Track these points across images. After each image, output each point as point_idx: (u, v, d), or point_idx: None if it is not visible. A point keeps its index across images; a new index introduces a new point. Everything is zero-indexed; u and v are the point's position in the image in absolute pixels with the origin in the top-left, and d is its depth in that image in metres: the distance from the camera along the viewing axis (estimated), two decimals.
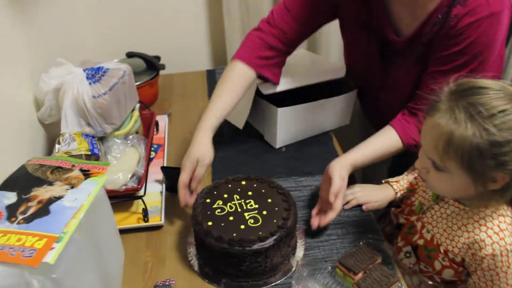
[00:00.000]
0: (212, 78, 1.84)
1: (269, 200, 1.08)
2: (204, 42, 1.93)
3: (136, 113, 1.33)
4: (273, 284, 1.02)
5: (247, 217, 1.04)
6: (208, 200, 1.09)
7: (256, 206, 1.07)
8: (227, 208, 1.06)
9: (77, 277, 0.83)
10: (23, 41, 1.26)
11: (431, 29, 1.14)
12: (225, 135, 1.51)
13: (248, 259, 0.98)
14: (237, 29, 1.82)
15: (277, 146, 1.43)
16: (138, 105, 1.36)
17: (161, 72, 1.73)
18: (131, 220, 1.19)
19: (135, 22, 1.82)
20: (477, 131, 0.82)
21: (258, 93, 1.37)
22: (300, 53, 1.61)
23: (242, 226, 1.01)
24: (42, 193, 0.87)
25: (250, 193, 1.11)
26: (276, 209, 1.06)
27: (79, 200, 0.85)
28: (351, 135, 1.88)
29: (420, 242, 1.07)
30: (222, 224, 1.02)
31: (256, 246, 0.97)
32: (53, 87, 1.21)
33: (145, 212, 1.17)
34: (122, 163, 1.22)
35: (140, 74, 1.61)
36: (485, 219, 0.95)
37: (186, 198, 1.14)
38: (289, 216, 1.03)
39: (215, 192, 1.12)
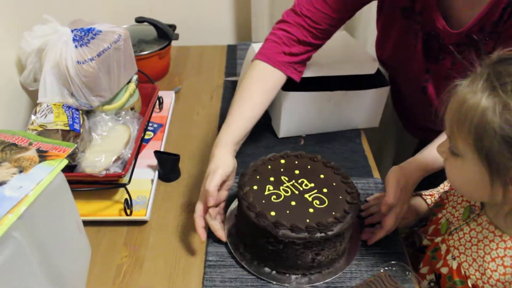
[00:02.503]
0: (233, 54, 1.63)
1: (322, 176, 0.96)
2: (227, 14, 1.71)
3: (132, 86, 1.15)
4: (343, 271, 0.91)
5: (310, 199, 0.90)
6: (255, 187, 0.92)
7: (312, 184, 0.93)
8: (283, 193, 0.92)
9: (16, 283, 0.66)
10: None
11: (501, 16, 0.89)
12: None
13: (328, 245, 0.87)
14: (264, 1, 1.60)
15: (280, 136, 1.23)
16: (135, 77, 1.17)
17: (177, 43, 1.54)
18: (111, 211, 1.01)
19: None
20: (492, 104, 0.63)
21: None
22: (336, 36, 1.38)
23: (311, 210, 0.88)
24: None
25: (297, 171, 0.96)
26: (334, 184, 0.94)
27: (24, 189, 0.67)
28: (381, 138, 1.64)
29: (444, 270, 0.87)
30: (288, 212, 0.87)
31: (337, 228, 0.85)
32: (36, 47, 1.04)
33: (128, 204, 0.99)
34: (107, 143, 1.04)
35: (149, 43, 1.43)
36: None
37: (203, 231, 0.93)
38: (353, 189, 0.93)
39: (257, 177, 0.95)
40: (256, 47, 1.24)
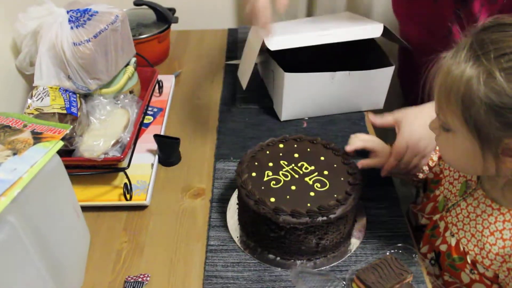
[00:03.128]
0: (233, 38, 1.60)
1: (322, 158, 0.94)
2: None
3: (131, 69, 1.12)
4: (348, 255, 0.89)
5: (310, 182, 0.88)
6: (254, 174, 0.90)
7: (312, 167, 0.91)
8: (282, 178, 0.89)
9: (12, 269, 0.64)
10: None
11: None
12: (237, 102, 1.28)
13: (331, 229, 0.84)
14: None
15: (282, 119, 1.20)
16: (134, 59, 1.15)
17: (177, 27, 1.51)
18: (111, 195, 0.99)
19: None
20: (476, 73, 0.63)
21: (278, 54, 1.14)
22: (339, 15, 1.35)
23: (312, 193, 0.86)
24: None
25: (296, 155, 0.94)
26: (335, 165, 0.92)
27: (18, 172, 0.65)
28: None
29: (443, 248, 0.86)
30: (288, 197, 0.85)
31: (339, 211, 0.83)
32: (31, 29, 1.01)
33: (127, 188, 0.96)
34: (106, 127, 1.02)
35: (148, 26, 1.40)
36: None
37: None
38: (355, 169, 0.90)
39: (256, 163, 0.93)
40: (256, 28, 1.21)
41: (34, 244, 0.68)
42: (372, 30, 1.14)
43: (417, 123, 0.93)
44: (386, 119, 1.00)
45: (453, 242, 0.84)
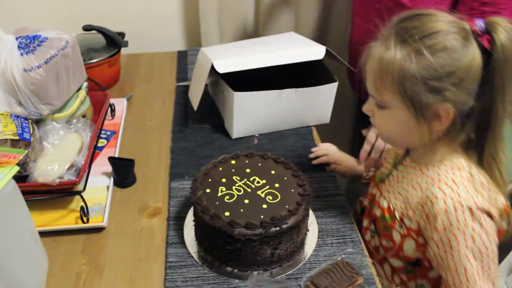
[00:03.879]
0: (183, 60, 1.64)
1: (273, 172, 0.98)
2: (176, 21, 1.72)
3: (83, 93, 1.13)
4: (302, 262, 0.93)
5: (263, 195, 0.92)
6: (208, 190, 0.93)
7: (264, 181, 0.96)
8: (235, 192, 0.93)
9: None
10: None
11: None
12: (189, 122, 1.31)
13: (285, 238, 0.88)
14: (213, 7, 1.62)
15: (234, 136, 1.25)
16: (86, 84, 1.16)
17: (126, 51, 1.54)
18: (67, 219, 0.99)
19: None
20: (406, 54, 0.75)
21: (227, 74, 1.18)
22: (284, 36, 1.41)
23: (265, 206, 0.90)
24: None
25: (248, 170, 0.98)
26: (286, 178, 0.97)
27: None
28: (333, 133, 1.70)
29: (378, 213, 0.95)
30: (242, 210, 0.89)
31: (291, 221, 0.87)
32: None
33: (84, 211, 0.97)
34: (60, 151, 1.02)
35: (98, 51, 1.41)
36: (439, 174, 0.84)
37: None
38: (304, 181, 0.95)
39: (209, 180, 0.96)
40: (205, 51, 1.26)
41: None
42: (314, 52, 1.21)
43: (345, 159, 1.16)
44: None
45: (385, 204, 0.93)
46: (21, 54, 0.98)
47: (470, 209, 0.78)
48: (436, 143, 0.83)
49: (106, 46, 1.45)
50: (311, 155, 1.19)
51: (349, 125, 1.79)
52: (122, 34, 1.51)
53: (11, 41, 0.99)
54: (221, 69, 1.14)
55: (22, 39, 1.01)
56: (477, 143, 0.81)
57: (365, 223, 1.01)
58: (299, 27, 1.69)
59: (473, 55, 0.74)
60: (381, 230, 0.94)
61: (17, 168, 0.73)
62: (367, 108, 0.88)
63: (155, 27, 1.69)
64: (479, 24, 0.75)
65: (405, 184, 0.90)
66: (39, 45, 1.01)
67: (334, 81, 1.24)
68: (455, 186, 0.80)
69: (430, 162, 0.86)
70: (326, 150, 1.19)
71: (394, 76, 0.77)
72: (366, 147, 1.14)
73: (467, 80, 0.75)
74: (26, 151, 0.79)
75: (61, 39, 1.04)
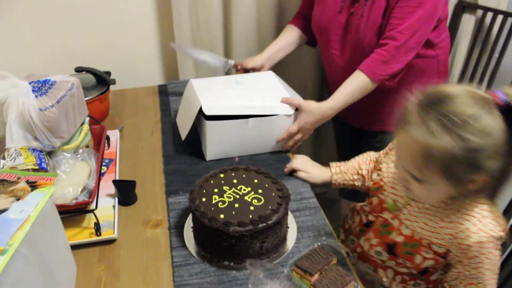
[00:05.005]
0: (164, 93, 1.83)
1: (256, 181, 1.17)
2: (156, 57, 1.92)
3: (86, 127, 1.31)
4: (286, 253, 1.12)
5: (250, 200, 1.11)
6: (204, 199, 1.11)
7: (249, 189, 1.15)
8: (227, 199, 1.12)
9: None
10: None
11: None
12: (177, 147, 1.50)
13: (270, 233, 1.07)
14: (188, 43, 1.83)
15: (208, 159, 1.44)
16: (87, 119, 1.34)
17: (112, 88, 1.71)
18: (83, 235, 1.15)
19: (84, 37, 1.79)
20: (453, 141, 0.84)
21: None
22: (264, 77, 1.60)
23: (252, 208, 1.09)
24: None
25: (235, 181, 1.17)
26: (267, 185, 1.16)
27: (25, 212, 0.82)
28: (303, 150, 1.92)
29: (399, 239, 1.07)
30: (234, 213, 1.07)
31: (275, 217, 1.06)
32: None
33: (97, 226, 1.14)
34: (72, 177, 1.19)
35: (89, 89, 1.59)
36: (466, 208, 0.98)
37: None
38: (282, 186, 1.15)
39: (204, 191, 1.14)
40: (194, 85, 1.46)
41: (40, 272, 0.85)
42: (286, 109, 1.42)
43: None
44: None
45: (408, 233, 1.05)
46: (36, 96, 1.15)
47: (495, 239, 0.94)
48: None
49: (96, 84, 1.62)
50: (286, 170, 1.37)
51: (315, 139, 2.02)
52: (108, 73, 1.69)
53: (25, 86, 1.16)
54: (208, 111, 1.35)
55: (34, 83, 1.18)
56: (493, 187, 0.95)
57: (374, 241, 1.14)
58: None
59: (504, 128, 0.85)
60: (402, 254, 1.07)
61: (54, 188, 0.89)
62: (401, 178, 0.99)
63: (137, 64, 1.88)
64: (501, 96, 0.86)
65: (430, 216, 1.02)
66: (50, 88, 1.18)
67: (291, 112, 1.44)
68: (484, 220, 0.95)
69: (453, 201, 0.99)
70: (299, 163, 1.36)
71: (441, 161, 0.86)
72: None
73: (501, 151, 0.86)
74: (58, 174, 0.96)
75: (68, 81, 1.22)
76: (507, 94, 0.86)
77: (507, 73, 1.97)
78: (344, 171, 1.31)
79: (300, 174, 1.34)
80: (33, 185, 0.89)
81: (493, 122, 0.85)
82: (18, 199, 0.85)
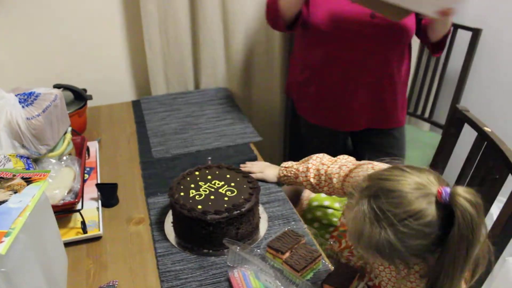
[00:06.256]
0: (138, 108, 1.93)
1: (228, 176, 1.30)
2: (128, 74, 2.03)
3: (69, 135, 1.40)
4: (259, 239, 1.24)
5: (224, 192, 1.24)
6: (182, 194, 1.22)
7: (222, 183, 1.27)
8: (203, 192, 1.23)
9: (25, 274, 0.89)
10: None
11: None
12: (153, 154, 1.60)
13: (244, 219, 1.18)
14: (159, 61, 1.95)
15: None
16: (70, 128, 1.43)
17: (88, 104, 1.80)
18: (71, 234, 1.24)
19: (61, 56, 1.88)
20: (383, 233, 0.84)
21: None
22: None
23: (226, 198, 1.21)
24: None
25: (209, 177, 1.30)
26: (238, 179, 1.29)
27: (23, 202, 0.92)
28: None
29: (371, 283, 1.10)
30: (210, 203, 1.19)
31: (248, 205, 1.18)
32: None
33: (83, 225, 1.23)
34: (58, 181, 1.28)
35: (68, 105, 1.67)
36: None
37: None
38: (251, 179, 1.29)
39: (181, 187, 1.26)
40: None
41: (37, 259, 0.93)
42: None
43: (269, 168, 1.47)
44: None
45: (376, 282, 1.06)
46: (23, 106, 1.25)
47: None
48: None
49: (74, 100, 1.72)
50: (244, 169, 1.45)
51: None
52: (85, 90, 1.79)
53: (12, 97, 1.25)
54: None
55: (20, 95, 1.28)
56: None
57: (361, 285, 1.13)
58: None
59: (439, 225, 0.82)
60: None
61: (47, 183, 0.99)
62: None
63: (111, 82, 1.99)
64: (445, 196, 0.82)
65: (393, 271, 1.02)
66: (35, 99, 1.28)
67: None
68: None
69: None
70: (255, 167, 1.47)
71: (372, 246, 0.86)
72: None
73: (430, 246, 0.84)
74: (50, 171, 1.05)
75: (51, 93, 1.32)
76: (452, 193, 0.82)
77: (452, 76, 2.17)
78: (288, 175, 1.38)
79: (257, 175, 1.44)
80: (28, 180, 0.99)
81: (425, 223, 0.83)
82: (15, 192, 0.95)
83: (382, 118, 1.69)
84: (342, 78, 1.58)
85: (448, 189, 0.82)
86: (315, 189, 1.30)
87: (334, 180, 1.22)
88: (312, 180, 1.29)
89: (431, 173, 0.88)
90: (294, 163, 1.39)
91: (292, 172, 1.36)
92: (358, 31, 1.47)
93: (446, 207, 0.82)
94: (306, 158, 1.35)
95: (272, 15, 1.56)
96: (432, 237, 0.83)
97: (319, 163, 1.29)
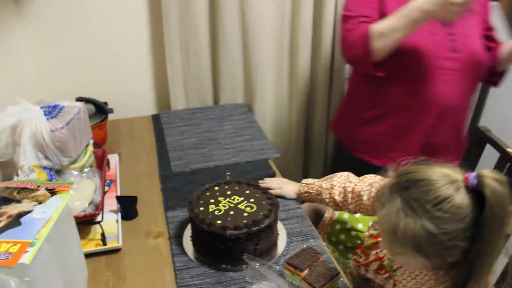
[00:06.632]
0: (157, 122, 1.95)
1: (247, 192, 1.30)
2: (149, 88, 2.06)
3: (91, 148, 1.42)
4: (278, 256, 1.23)
5: (243, 208, 1.24)
6: (202, 208, 1.23)
7: (242, 198, 1.28)
8: (222, 208, 1.24)
9: (47, 284, 0.90)
10: None
11: None
12: (172, 168, 1.61)
13: (263, 236, 1.18)
14: (179, 75, 1.97)
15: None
16: (92, 141, 1.45)
17: (109, 117, 1.83)
18: (90, 245, 1.25)
19: (84, 71, 1.92)
20: (417, 224, 0.86)
21: None
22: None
23: (245, 214, 1.21)
24: (11, 209, 0.95)
25: (228, 192, 1.30)
26: (257, 195, 1.29)
27: (48, 213, 0.93)
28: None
29: None
30: (229, 219, 1.19)
31: (267, 222, 1.18)
32: (10, 124, 1.28)
33: (103, 236, 1.24)
34: (79, 192, 1.29)
35: (89, 117, 1.69)
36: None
37: None
38: (270, 196, 1.29)
39: (201, 201, 1.26)
40: None
41: (59, 269, 0.94)
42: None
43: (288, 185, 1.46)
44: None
45: None
46: (47, 119, 1.27)
47: None
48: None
49: (95, 113, 1.74)
50: (262, 185, 1.44)
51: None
52: (106, 103, 1.81)
53: (37, 110, 1.28)
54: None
55: (45, 108, 1.30)
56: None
57: None
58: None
59: (470, 208, 0.84)
60: None
61: (70, 194, 1.00)
62: (385, 248, 1.06)
63: (131, 96, 2.01)
64: (472, 179, 0.84)
65: (418, 283, 1.02)
66: (59, 112, 1.30)
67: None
68: None
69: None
70: (273, 183, 1.47)
71: (408, 240, 0.87)
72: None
73: (467, 231, 0.85)
74: (73, 183, 1.06)
75: (75, 106, 1.35)
76: (478, 176, 0.85)
77: None
78: (309, 191, 1.37)
79: (276, 191, 1.42)
80: (52, 192, 1.00)
81: (458, 205, 0.85)
82: (40, 203, 0.96)
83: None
84: (423, 113, 1.52)
85: (473, 174, 0.85)
86: (338, 206, 1.30)
87: (365, 198, 1.22)
88: (337, 197, 1.28)
89: (455, 166, 0.91)
90: (315, 180, 1.38)
91: (314, 189, 1.35)
92: (440, 65, 1.46)
93: (475, 193, 0.84)
94: (329, 176, 1.35)
95: (361, 56, 1.46)
96: (467, 220, 0.85)
97: (345, 180, 1.28)
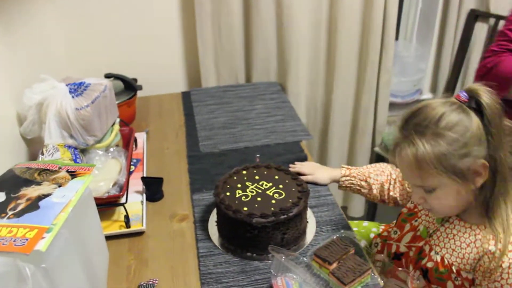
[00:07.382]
0: (187, 100, 1.91)
1: (276, 177, 1.24)
2: (179, 65, 2.01)
3: (117, 127, 1.39)
4: (306, 246, 1.18)
5: (271, 194, 1.18)
6: (228, 194, 1.18)
7: (270, 184, 1.21)
8: (249, 193, 1.18)
9: (65, 270, 0.87)
10: (5, 59, 1.31)
11: None
12: (201, 149, 1.57)
13: (291, 225, 1.13)
14: (210, 51, 1.91)
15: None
16: (118, 120, 1.42)
17: (138, 94, 1.80)
18: (113, 227, 1.23)
19: (114, 47, 1.89)
20: (431, 141, 0.93)
21: None
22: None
23: (273, 201, 1.15)
24: (31, 192, 0.91)
25: (257, 177, 1.25)
26: (287, 181, 1.23)
27: (67, 197, 0.90)
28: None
29: (430, 265, 1.08)
30: (256, 206, 1.14)
31: (296, 210, 1.12)
32: (36, 101, 1.26)
33: (127, 219, 1.21)
34: (104, 173, 1.26)
35: (118, 94, 1.67)
36: (492, 233, 0.99)
37: None
38: (301, 182, 1.22)
39: (228, 186, 1.21)
40: None
41: (78, 254, 0.92)
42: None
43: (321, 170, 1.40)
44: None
45: (438, 258, 1.06)
46: (72, 97, 1.24)
47: None
48: (482, 204, 0.99)
49: (124, 90, 1.71)
50: (293, 169, 1.40)
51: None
52: (135, 80, 1.78)
53: (63, 87, 1.25)
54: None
55: (71, 85, 1.27)
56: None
57: (410, 268, 1.14)
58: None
59: (474, 118, 0.93)
60: (434, 279, 1.07)
61: (92, 176, 0.97)
62: (416, 198, 1.04)
63: (161, 72, 1.97)
64: (463, 94, 0.95)
65: (457, 241, 1.04)
66: (85, 89, 1.27)
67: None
68: (510, 246, 0.96)
69: (482, 223, 1.01)
70: (305, 168, 1.41)
71: (431, 162, 0.93)
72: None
73: (480, 137, 0.92)
74: (95, 165, 1.03)
75: (101, 83, 1.31)
76: (468, 90, 0.95)
77: None
78: (353, 175, 1.33)
79: (308, 177, 1.37)
80: (72, 174, 0.97)
81: (463, 116, 0.93)
82: (60, 186, 0.93)
83: None
84: None
85: (462, 92, 0.96)
86: (382, 192, 1.29)
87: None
88: (385, 184, 1.29)
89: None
90: (355, 167, 1.35)
91: (360, 173, 1.31)
92: None
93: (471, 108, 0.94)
94: (372, 164, 1.34)
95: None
96: (475, 121, 0.93)
97: (392, 168, 1.30)
